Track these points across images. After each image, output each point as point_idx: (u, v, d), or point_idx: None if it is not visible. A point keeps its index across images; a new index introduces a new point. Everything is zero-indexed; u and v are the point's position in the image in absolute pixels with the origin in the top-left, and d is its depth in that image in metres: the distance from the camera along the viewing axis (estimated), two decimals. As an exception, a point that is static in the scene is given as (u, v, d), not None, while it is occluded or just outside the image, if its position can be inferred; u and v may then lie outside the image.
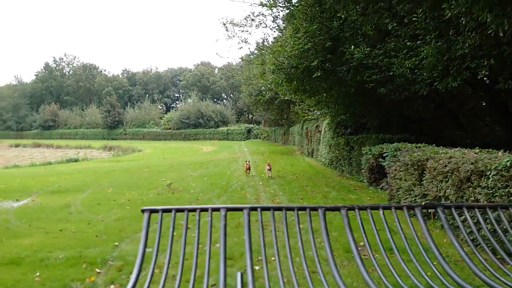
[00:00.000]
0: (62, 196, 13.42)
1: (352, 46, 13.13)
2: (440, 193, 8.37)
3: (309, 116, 24.62)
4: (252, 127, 71.07)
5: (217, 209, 3.54)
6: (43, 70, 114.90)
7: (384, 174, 12.82)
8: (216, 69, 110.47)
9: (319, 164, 23.01)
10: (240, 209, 3.62)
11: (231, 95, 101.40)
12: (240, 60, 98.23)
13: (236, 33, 20.34)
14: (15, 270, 6.09)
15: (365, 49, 12.98)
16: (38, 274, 5.88)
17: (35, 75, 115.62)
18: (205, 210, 3.58)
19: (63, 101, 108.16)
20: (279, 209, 3.60)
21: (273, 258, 2.96)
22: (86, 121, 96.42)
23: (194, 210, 3.58)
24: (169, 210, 3.62)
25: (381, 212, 3.42)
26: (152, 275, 3.10)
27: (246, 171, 18.62)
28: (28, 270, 6.06)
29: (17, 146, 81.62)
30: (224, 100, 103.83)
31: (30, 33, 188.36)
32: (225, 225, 3.41)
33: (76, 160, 40.24)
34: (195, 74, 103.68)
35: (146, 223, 3.49)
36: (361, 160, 15.06)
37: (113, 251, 7.02)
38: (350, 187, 13.99)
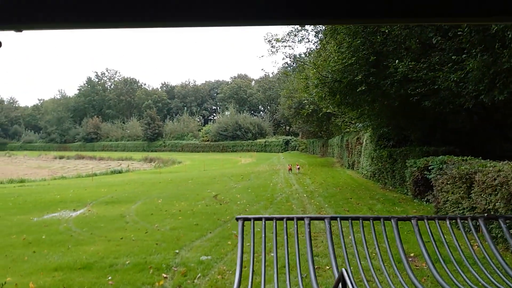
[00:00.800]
0: (116, 206, 14.05)
1: (397, 61, 13.31)
2: (489, 206, 8.46)
3: (351, 129, 24.72)
4: (290, 139, 71.30)
5: (302, 219, 3.93)
6: (86, 84, 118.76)
7: (429, 187, 12.89)
8: (253, 82, 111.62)
9: (360, 177, 23.06)
10: (322, 219, 3.99)
11: (268, 107, 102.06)
12: (279, 73, 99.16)
13: (279, 48, 20.77)
14: (88, 275, 6.58)
15: (410, 63, 13.14)
16: (110, 278, 6.34)
17: (78, 89, 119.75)
18: (291, 219, 3.96)
19: (105, 115, 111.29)
20: (356, 218, 3.94)
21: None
22: (127, 133, 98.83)
23: (281, 219, 3.97)
24: (259, 219, 4.03)
25: (447, 222, 3.71)
26: (252, 277, 3.51)
27: (289, 170, 26.05)
28: (100, 275, 6.54)
29: (61, 158, 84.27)
30: (261, 112, 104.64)
31: (73, 49, 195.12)
32: (310, 232, 3.79)
33: (120, 172, 41.44)
34: (232, 86, 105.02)
35: (241, 229, 3.90)
36: (405, 173, 15.13)
37: (175, 258, 7.45)
38: (394, 200, 14.08)
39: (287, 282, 3.69)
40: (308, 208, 12.72)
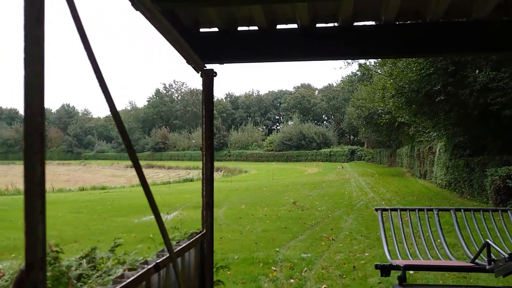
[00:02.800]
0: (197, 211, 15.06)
1: (477, 71, 13.50)
2: None
3: (424, 138, 24.71)
4: (356, 149, 70.90)
5: (430, 209, 4.55)
6: (155, 96, 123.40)
7: (511, 195, 13.00)
8: (316, 91, 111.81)
9: (434, 186, 23.00)
10: (448, 210, 4.60)
11: (332, 116, 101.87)
12: (343, 82, 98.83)
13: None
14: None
15: (490, 72, 13.30)
16: (226, 269, 7.17)
17: (147, 100, 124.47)
18: (422, 210, 4.59)
19: (172, 125, 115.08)
20: (477, 210, 4.53)
21: None
22: (193, 143, 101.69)
23: (413, 210, 4.61)
24: (395, 209, 4.70)
25: None
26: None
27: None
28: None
29: (131, 167, 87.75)
30: (325, 122, 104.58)
31: (142, 62, 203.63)
32: (439, 221, 4.39)
33: (191, 180, 43.08)
34: (295, 96, 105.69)
35: (381, 218, 4.59)
36: (484, 182, 15.17)
37: (276, 255, 8.20)
38: (475, 208, 14.18)
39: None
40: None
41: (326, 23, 3.17)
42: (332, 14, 3.06)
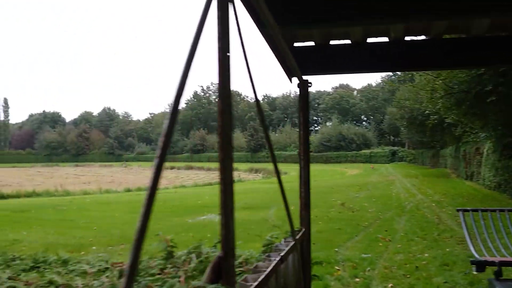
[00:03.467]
0: (253, 211, 15.39)
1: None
2: None
3: (471, 139, 24.32)
4: (397, 150, 70.01)
5: (510, 210, 4.69)
6: (193, 98, 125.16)
7: None
8: (355, 91, 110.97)
9: (482, 188, 22.60)
10: None
11: (372, 117, 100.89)
12: (382, 82, 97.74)
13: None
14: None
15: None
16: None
17: (185, 103, 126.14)
18: (502, 211, 4.73)
19: (210, 127, 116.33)
20: None
21: None
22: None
23: (493, 210, 4.76)
24: (475, 210, 4.86)
25: None
26: None
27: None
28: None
29: (172, 168, 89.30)
30: (364, 122, 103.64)
31: (178, 64, 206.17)
32: None
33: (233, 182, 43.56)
34: (334, 97, 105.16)
35: (463, 217, 4.75)
36: (539, 183, 14.91)
37: (337, 255, 8.40)
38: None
39: None
40: (442, 216, 13.11)
41: (416, 36, 3.38)
42: (423, 28, 3.27)
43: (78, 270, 5.50)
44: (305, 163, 3.71)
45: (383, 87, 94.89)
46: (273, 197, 20.31)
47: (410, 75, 76.01)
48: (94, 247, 9.66)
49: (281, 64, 3.18)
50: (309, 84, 3.69)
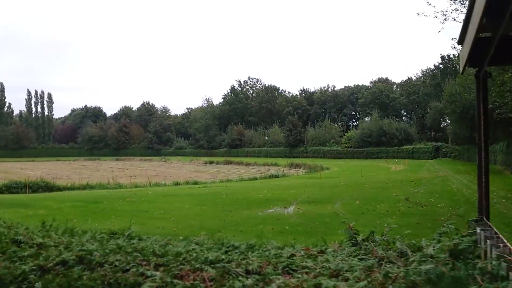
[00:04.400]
0: (318, 205, 15.44)
1: None
2: None
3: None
4: (441, 145, 68.66)
5: None
6: (230, 93, 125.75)
7: None
8: (394, 86, 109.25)
9: (545, 184, 22.04)
10: None
11: (412, 112, 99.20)
12: (423, 75, 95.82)
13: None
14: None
15: None
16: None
17: (222, 98, 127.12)
18: None
19: (247, 122, 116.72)
20: None
21: None
22: (269, 140, 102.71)
23: None
24: None
25: None
26: None
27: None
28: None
29: (211, 163, 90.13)
30: (403, 117, 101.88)
31: (217, 59, 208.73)
32: None
33: (277, 176, 43.69)
34: (373, 91, 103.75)
35: None
36: None
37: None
38: None
39: None
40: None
41: None
42: None
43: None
44: (485, 154, 3.73)
45: (424, 81, 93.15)
46: (330, 192, 20.33)
47: (454, 68, 74.35)
48: (181, 237, 9.90)
49: (462, 55, 3.21)
50: (488, 75, 3.71)
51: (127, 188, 33.70)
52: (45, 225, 6.80)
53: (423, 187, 22.17)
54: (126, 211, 14.06)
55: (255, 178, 42.90)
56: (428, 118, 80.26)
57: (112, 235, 6.80)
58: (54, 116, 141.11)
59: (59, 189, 33.19)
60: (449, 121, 62.13)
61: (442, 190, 20.15)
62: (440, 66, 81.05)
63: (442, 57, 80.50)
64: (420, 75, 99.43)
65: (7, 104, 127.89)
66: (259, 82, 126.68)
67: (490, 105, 22.08)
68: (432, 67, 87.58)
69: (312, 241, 8.45)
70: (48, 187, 32.79)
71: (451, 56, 80.00)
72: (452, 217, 12.31)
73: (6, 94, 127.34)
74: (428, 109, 78.03)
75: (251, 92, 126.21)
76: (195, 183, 37.68)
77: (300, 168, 64.63)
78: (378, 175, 37.98)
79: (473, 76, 12.97)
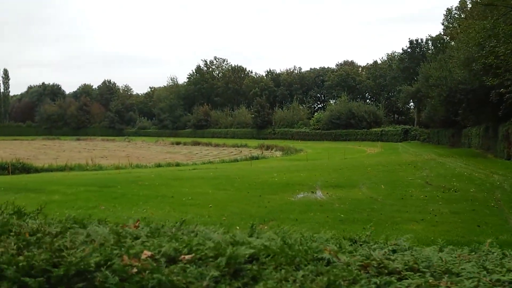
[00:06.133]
0: (345, 190, 15.00)
1: None
2: None
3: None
4: (410, 128, 69.85)
5: None
6: (195, 73, 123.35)
7: None
8: (360, 69, 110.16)
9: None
10: None
11: (377, 95, 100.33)
12: (389, 60, 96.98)
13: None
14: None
15: None
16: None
17: (187, 77, 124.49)
18: None
19: (213, 102, 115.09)
20: None
21: None
22: (236, 121, 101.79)
23: None
24: None
25: None
26: None
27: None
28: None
29: (177, 143, 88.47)
30: (367, 100, 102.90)
31: (184, 39, 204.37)
32: None
33: (257, 158, 43.06)
34: (339, 74, 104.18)
35: None
36: None
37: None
38: None
39: None
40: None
41: None
42: None
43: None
44: None
45: (390, 64, 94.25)
46: (340, 175, 19.91)
47: (422, 52, 75.48)
48: (237, 227, 9.18)
49: None
50: None
51: (109, 170, 32.38)
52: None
53: (426, 170, 22.10)
54: (149, 197, 13.12)
55: (236, 160, 42.19)
56: (399, 101, 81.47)
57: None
58: (10, 94, 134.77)
59: (37, 170, 31.49)
60: (422, 105, 63.13)
61: (451, 174, 20.08)
62: (408, 50, 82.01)
63: (411, 42, 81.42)
64: (385, 59, 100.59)
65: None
66: (225, 63, 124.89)
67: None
68: (398, 51, 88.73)
69: (387, 232, 7.94)
70: (25, 169, 31.10)
71: (419, 40, 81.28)
72: (500, 203, 12.12)
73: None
74: (399, 92, 78.94)
75: (217, 72, 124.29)
76: (177, 164, 36.60)
77: (272, 150, 64.35)
78: (360, 157, 38.03)
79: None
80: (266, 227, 9.62)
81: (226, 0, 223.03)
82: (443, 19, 70.65)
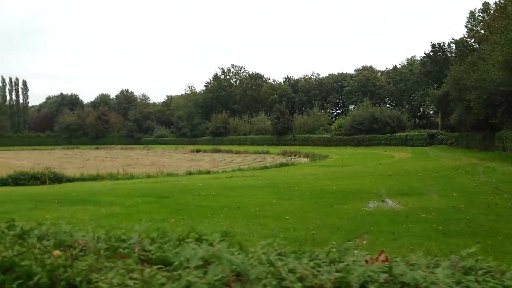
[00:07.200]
0: (416, 198, 14.08)
1: None
2: None
3: None
4: (436, 132, 68.45)
5: None
6: (212, 81, 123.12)
7: None
8: (379, 73, 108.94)
9: None
10: None
11: (398, 99, 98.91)
12: (409, 63, 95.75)
13: None
14: None
15: None
16: None
17: (205, 85, 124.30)
18: None
19: (231, 109, 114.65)
20: None
21: None
22: (255, 127, 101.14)
23: None
24: None
25: None
26: None
27: None
28: None
29: (197, 151, 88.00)
30: (387, 105, 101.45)
31: (201, 47, 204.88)
32: None
33: (287, 165, 42.19)
34: (359, 79, 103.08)
35: None
36: None
37: None
38: None
39: None
40: None
41: None
42: None
43: None
44: None
45: (411, 69, 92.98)
46: (394, 182, 18.97)
47: (444, 55, 74.38)
48: (334, 242, 8.34)
49: None
50: None
51: (141, 178, 31.76)
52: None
53: (481, 175, 21.03)
54: (214, 208, 12.31)
55: (266, 167, 41.38)
56: (424, 105, 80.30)
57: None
58: (29, 104, 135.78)
59: (69, 180, 31.00)
60: (449, 108, 61.78)
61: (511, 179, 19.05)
62: (430, 53, 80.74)
63: (433, 45, 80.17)
64: (405, 63, 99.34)
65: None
66: (242, 70, 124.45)
67: None
68: (418, 55, 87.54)
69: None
70: (57, 178, 30.63)
71: (441, 44, 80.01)
72: None
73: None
74: (422, 96, 77.67)
75: (235, 80, 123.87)
76: (208, 172, 35.91)
77: (296, 156, 63.43)
78: (396, 163, 36.98)
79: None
80: (365, 242, 8.80)
81: (242, 8, 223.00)
82: (466, 22, 69.50)
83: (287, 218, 10.77)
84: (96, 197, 14.68)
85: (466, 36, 71.03)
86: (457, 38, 74.83)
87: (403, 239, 8.58)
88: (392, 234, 9.05)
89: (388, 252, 2.66)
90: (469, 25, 69.09)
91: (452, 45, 77.76)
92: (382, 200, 13.76)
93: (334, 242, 8.03)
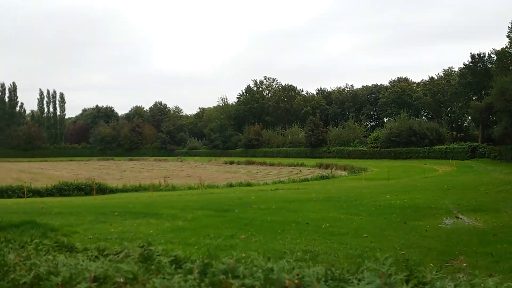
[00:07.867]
0: (490, 215, 13.20)
1: None
2: None
3: None
4: (477, 145, 66.35)
5: None
6: (245, 93, 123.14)
7: None
8: (414, 85, 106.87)
9: None
10: None
11: (435, 111, 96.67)
12: (446, 75, 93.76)
13: None
14: None
15: None
16: None
17: (237, 97, 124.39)
18: None
19: (264, 121, 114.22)
20: None
21: None
22: (288, 140, 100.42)
23: None
24: None
25: None
26: None
27: None
28: None
29: (231, 163, 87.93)
30: (423, 117, 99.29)
31: (234, 60, 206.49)
32: None
33: (327, 178, 41.34)
34: (395, 91, 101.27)
35: None
36: None
37: None
38: None
39: None
40: None
41: None
42: None
43: None
44: None
45: (448, 80, 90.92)
46: (457, 197, 18.00)
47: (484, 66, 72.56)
48: (431, 264, 7.60)
49: None
50: None
51: (182, 190, 31.50)
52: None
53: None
54: (281, 223, 11.67)
55: (306, 179, 40.66)
56: (466, 118, 78.23)
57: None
58: (66, 116, 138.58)
59: (112, 191, 30.99)
60: (491, 121, 59.92)
61: None
62: (470, 64, 78.67)
63: (472, 56, 78.09)
64: (442, 75, 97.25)
65: (19, 104, 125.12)
66: (275, 82, 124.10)
67: None
68: (456, 66, 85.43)
69: None
70: (101, 189, 30.64)
71: (481, 54, 77.92)
72: None
73: (18, 94, 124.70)
74: (461, 108, 75.71)
75: (267, 92, 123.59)
76: (249, 184, 35.47)
77: (332, 169, 62.31)
78: (443, 176, 35.75)
79: None
80: (465, 264, 8.03)
81: (277, 22, 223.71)
82: (508, 32, 67.53)
83: (366, 236, 10.05)
84: (155, 209, 14.25)
85: (508, 46, 69.06)
86: (498, 48, 72.96)
87: (507, 262, 7.78)
88: (491, 256, 8.25)
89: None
90: (511, 35, 67.16)
91: (493, 55, 75.73)
92: (456, 217, 12.90)
93: (431, 265, 7.31)
